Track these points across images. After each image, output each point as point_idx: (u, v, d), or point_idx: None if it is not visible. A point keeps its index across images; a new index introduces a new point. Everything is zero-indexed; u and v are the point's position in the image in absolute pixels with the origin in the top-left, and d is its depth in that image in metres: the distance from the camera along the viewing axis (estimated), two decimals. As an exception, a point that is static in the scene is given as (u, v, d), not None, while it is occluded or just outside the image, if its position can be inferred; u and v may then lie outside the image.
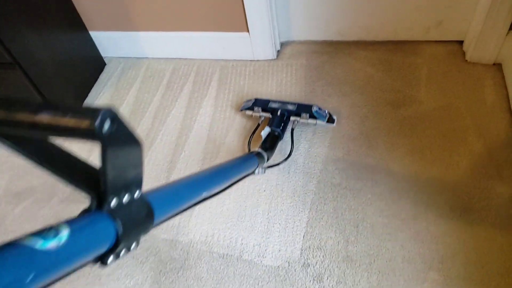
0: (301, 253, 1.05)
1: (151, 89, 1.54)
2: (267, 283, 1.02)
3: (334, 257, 1.03)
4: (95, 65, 1.64)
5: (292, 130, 1.26)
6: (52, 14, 1.39)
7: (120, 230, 0.42)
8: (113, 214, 0.42)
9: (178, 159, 1.31)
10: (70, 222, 0.38)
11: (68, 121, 0.35)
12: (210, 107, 1.43)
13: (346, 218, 1.09)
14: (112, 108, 0.37)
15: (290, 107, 1.26)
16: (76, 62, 1.52)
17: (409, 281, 0.96)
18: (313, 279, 1.00)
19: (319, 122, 1.24)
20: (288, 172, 1.21)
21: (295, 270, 1.03)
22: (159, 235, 1.15)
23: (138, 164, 0.44)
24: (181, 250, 1.12)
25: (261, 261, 1.06)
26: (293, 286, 1.00)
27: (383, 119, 1.26)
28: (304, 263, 1.03)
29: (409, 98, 1.29)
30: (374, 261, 1.01)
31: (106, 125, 0.36)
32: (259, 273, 1.04)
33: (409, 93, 1.30)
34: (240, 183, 1.19)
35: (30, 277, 0.33)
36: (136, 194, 0.45)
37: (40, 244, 0.34)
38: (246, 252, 1.08)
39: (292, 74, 1.46)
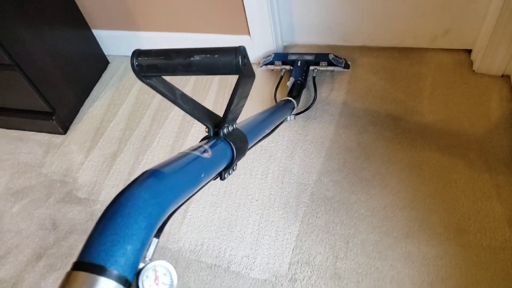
0: (289, 268, 1.04)
1: (151, 90, 1.53)
2: (253, 297, 1.01)
3: (322, 273, 1.01)
4: (98, 63, 1.64)
5: (314, 78, 1.36)
6: (53, 12, 1.39)
7: (234, 149, 0.59)
8: (227, 138, 0.59)
9: (174, 163, 1.30)
10: (208, 144, 0.54)
11: (217, 59, 0.49)
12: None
13: (337, 233, 1.07)
14: (243, 47, 0.49)
15: (309, 57, 1.37)
16: (78, 61, 1.52)
17: (397, 303, 0.94)
18: (299, 296, 0.99)
19: (336, 68, 1.35)
20: (282, 182, 1.19)
21: (281, 284, 1.01)
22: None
23: (247, 96, 0.58)
24: (170, 257, 1.12)
25: (249, 274, 1.05)
26: (278, 301, 0.99)
27: (383, 131, 1.22)
28: (292, 278, 1.02)
29: (411, 109, 1.25)
30: (362, 280, 0.99)
31: (242, 61, 0.49)
32: (245, 286, 1.03)
33: (411, 105, 1.26)
34: (233, 191, 1.18)
35: (202, 174, 0.50)
36: (234, 126, 0.63)
37: (202, 155, 0.51)
38: (234, 263, 1.07)
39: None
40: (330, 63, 1.34)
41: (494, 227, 1.00)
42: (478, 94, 1.24)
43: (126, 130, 1.43)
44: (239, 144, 0.61)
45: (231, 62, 0.49)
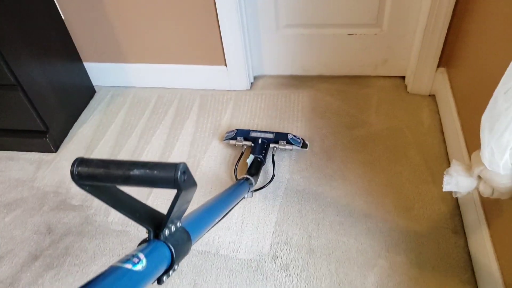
0: (270, 248, 1.21)
1: (137, 113, 1.72)
2: (241, 274, 1.16)
3: (298, 250, 1.20)
4: (86, 92, 1.81)
5: (273, 156, 1.43)
6: (52, 45, 1.58)
7: (174, 253, 0.56)
8: (167, 241, 0.56)
9: (162, 172, 1.46)
10: (143, 250, 0.52)
11: (156, 175, 0.50)
12: (191, 128, 1.61)
13: (309, 217, 1.27)
14: (184, 164, 0.50)
15: (269, 136, 1.45)
16: (69, 88, 1.69)
17: (362, 267, 1.14)
18: (281, 269, 1.16)
19: (294, 147, 1.42)
20: (260, 180, 1.39)
21: (265, 261, 1.18)
22: (143, 236, 1.28)
23: (190, 201, 0.57)
24: (164, 248, 1.25)
25: (235, 255, 1.21)
26: (263, 275, 1.15)
27: (340, 138, 1.48)
28: (273, 255, 1.19)
29: (361, 121, 1.53)
30: (332, 252, 1.18)
31: (182, 176, 0.49)
32: (233, 266, 1.19)
33: (362, 117, 1.54)
34: (218, 189, 1.36)
35: None
36: (178, 224, 0.60)
37: (133, 267, 0.48)
38: (222, 248, 1.23)
39: (264, 103, 1.68)
40: (288, 142, 1.42)
41: (432, 204, 1.25)
42: (413, 108, 1.55)
43: (116, 146, 1.59)
44: (180, 247, 0.58)
45: (170, 177, 0.49)
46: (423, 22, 1.40)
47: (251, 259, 1.19)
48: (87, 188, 0.54)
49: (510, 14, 1.00)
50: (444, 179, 0.87)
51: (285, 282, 1.13)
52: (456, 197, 1.25)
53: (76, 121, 1.73)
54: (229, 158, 1.49)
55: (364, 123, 1.52)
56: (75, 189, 1.45)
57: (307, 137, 1.51)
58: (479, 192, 0.89)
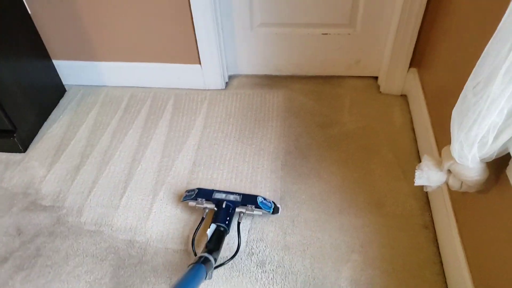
0: (246, 245, 1.21)
1: (109, 113, 1.69)
2: (217, 271, 1.16)
3: (274, 246, 1.20)
4: (55, 91, 1.76)
5: (239, 223, 1.23)
6: (19, 41, 1.53)
7: None
8: None
9: (135, 171, 1.45)
10: None
11: None
12: (165, 127, 1.60)
13: (284, 215, 1.28)
14: None
15: (235, 198, 1.25)
16: (38, 87, 1.64)
17: (336, 262, 1.16)
18: (257, 265, 1.17)
19: (264, 212, 1.23)
20: (235, 179, 1.39)
21: (241, 258, 1.18)
22: (117, 235, 1.26)
23: None
24: (138, 248, 1.23)
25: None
26: (239, 271, 1.16)
27: (314, 137, 1.50)
28: (249, 252, 1.20)
29: (335, 120, 1.56)
30: (307, 248, 1.19)
31: None
32: (209, 264, 1.18)
33: (335, 117, 1.57)
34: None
35: None
36: None
37: None
38: (198, 246, 1.22)
39: (239, 102, 1.68)
40: (257, 207, 1.22)
41: (403, 201, 1.28)
42: (385, 107, 1.59)
43: (87, 146, 1.56)
44: None
45: None
46: (395, 23, 1.44)
47: (227, 257, 1.19)
48: None
49: (477, 15, 1.04)
50: (415, 174, 0.89)
51: (261, 278, 1.14)
52: (427, 194, 1.29)
53: (45, 120, 1.68)
54: (187, 222, 1.28)
55: (337, 123, 1.55)
56: (45, 189, 1.41)
57: (283, 135, 1.52)
58: (448, 186, 0.92)
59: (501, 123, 0.66)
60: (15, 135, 1.51)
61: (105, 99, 1.76)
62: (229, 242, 1.22)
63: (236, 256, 1.19)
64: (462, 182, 0.86)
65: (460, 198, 1.06)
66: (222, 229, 1.17)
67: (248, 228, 1.25)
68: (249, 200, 1.25)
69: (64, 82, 1.81)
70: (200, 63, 1.68)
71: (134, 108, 1.70)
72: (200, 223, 1.25)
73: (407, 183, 1.33)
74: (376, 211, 1.27)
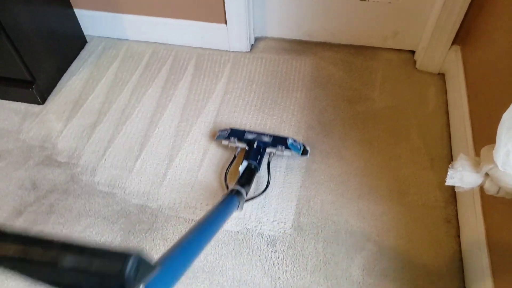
0: (258, 222, 1.18)
1: (130, 69, 1.63)
2: (227, 245, 1.14)
3: (287, 225, 1.17)
4: (76, 41, 1.70)
5: (269, 162, 1.27)
6: (40, -13, 1.46)
7: None
8: None
9: (152, 134, 1.41)
10: None
11: (94, 268, 0.35)
12: (185, 89, 1.54)
13: (300, 194, 1.23)
14: (138, 256, 0.36)
15: (266, 139, 1.27)
16: (59, 36, 1.59)
17: (350, 249, 1.12)
18: (267, 244, 1.14)
19: (294, 154, 1.27)
20: (253, 152, 1.34)
21: (251, 235, 1.16)
22: (130, 199, 1.25)
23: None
24: (150, 214, 1.22)
25: (223, 226, 1.18)
26: (249, 248, 1.13)
27: (340, 113, 1.42)
28: (260, 229, 1.17)
29: (364, 96, 1.46)
30: (321, 232, 1.15)
31: (134, 271, 0.36)
32: (220, 236, 1.16)
33: (365, 92, 1.47)
34: (207, 158, 1.31)
35: None
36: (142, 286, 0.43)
37: None
38: (210, 218, 1.20)
39: (263, 67, 1.59)
40: (287, 148, 1.26)
41: (428, 191, 1.21)
42: (419, 87, 1.48)
43: (105, 103, 1.52)
44: None
45: (115, 273, 0.35)
46: (442, -6, 1.30)
47: (238, 232, 1.17)
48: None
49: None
50: (448, 173, 0.82)
51: (271, 257, 1.11)
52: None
53: (65, 72, 1.64)
54: (220, 160, 1.33)
55: (366, 99, 1.45)
56: (61, 145, 1.40)
57: (307, 108, 1.44)
58: (482, 188, 0.85)
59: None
60: (33, 86, 1.48)
61: (126, 53, 1.70)
62: (259, 180, 1.26)
63: (247, 232, 1.16)
64: (500, 187, 0.78)
65: (493, 197, 0.99)
66: (253, 166, 1.21)
67: (262, 204, 1.22)
68: (279, 141, 1.27)
69: (85, 33, 1.75)
70: (225, 23, 1.58)
71: (155, 66, 1.63)
72: (232, 160, 1.30)
73: (433, 172, 1.25)
74: (397, 199, 1.20)
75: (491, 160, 0.74)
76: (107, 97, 1.54)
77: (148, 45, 1.72)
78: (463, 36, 1.38)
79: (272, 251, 1.13)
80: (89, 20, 1.71)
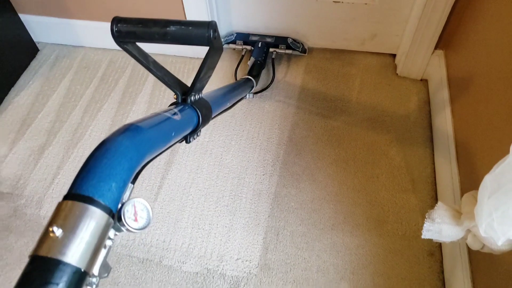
0: (220, 259, 1.06)
1: (84, 81, 1.48)
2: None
3: (252, 264, 1.04)
4: (26, 50, 1.54)
5: (273, 59, 1.42)
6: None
7: (200, 115, 0.65)
8: (194, 105, 0.65)
9: (106, 157, 1.27)
10: (177, 108, 0.61)
11: (191, 31, 0.53)
12: (144, 104, 1.39)
13: (268, 225, 1.10)
14: (215, 22, 0.54)
15: (269, 40, 1.43)
16: (3, 46, 1.43)
17: (321, 290, 1.00)
18: (230, 287, 1.02)
19: (294, 52, 1.42)
20: (217, 176, 1.20)
21: (213, 277, 1.03)
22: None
23: (214, 67, 0.63)
24: (100, 253, 1.09)
25: (181, 267, 1.06)
26: (209, 292, 1.01)
27: (313, 128, 1.28)
28: (222, 270, 1.04)
29: (340, 108, 1.32)
30: (290, 270, 1.03)
31: (213, 34, 0.53)
32: (177, 279, 1.04)
33: (340, 104, 1.33)
34: (169, 185, 1.18)
35: (173, 133, 0.56)
36: (200, 95, 0.68)
37: (173, 117, 0.57)
38: (167, 257, 1.07)
39: (231, 76, 1.44)
40: (288, 47, 1.41)
41: (409, 218, 1.09)
42: (401, 95, 1.34)
43: (56, 122, 1.37)
44: (204, 111, 0.66)
45: (203, 34, 0.53)
46: (423, -6, 1.15)
47: (197, 273, 1.04)
48: (126, 46, 0.59)
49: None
50: (424, 225, 0.69)
51: (233, 304, 0.99)
52: (437, 210, 1.09)
53: (12, 86, 1.48)
54: (229, 61, 1.46)
55: (342, 112, 1.32)
56: (5, 172, 1.26)
57: (277, 123, 1.30)
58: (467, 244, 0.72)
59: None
60: (-27, 106, 1.32)
61: (81, 63, 1.54)
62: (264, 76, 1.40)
63: (208, 273, 1.04)
64: (484, 245, 0.65)
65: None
66: (259, 62, 1.35)
67: (225, 238, 1.09)
68: (280, 40, 1.43)
69: (36, 40, 1.59)
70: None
71: (112, 77, 1.48)
72: (241, 60, 1.45)
73: (415, 195, 1.13)
74: (375, 229, 1.08)
75: (473, 217, 0.61)
76: (58, 115, 1.39)
77: (105, 52, 1.57)
78: (447, 40, 1.25)
79: (235, 294, 1.01)
80: (39, 27, 1.55)
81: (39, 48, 1.60)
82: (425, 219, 0.70)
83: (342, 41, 1.44)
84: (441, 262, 1.02)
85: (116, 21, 0.57)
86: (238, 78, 1.38)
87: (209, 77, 0.65)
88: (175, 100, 0.66)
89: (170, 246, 1.09)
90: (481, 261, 0.85)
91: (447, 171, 1.07)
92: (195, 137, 0.66)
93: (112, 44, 1.53)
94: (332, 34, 1.42)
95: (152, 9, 1.40)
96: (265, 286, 1.01)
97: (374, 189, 1.15)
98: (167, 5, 1.37)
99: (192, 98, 0.64)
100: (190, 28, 0.53)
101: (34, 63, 1.55)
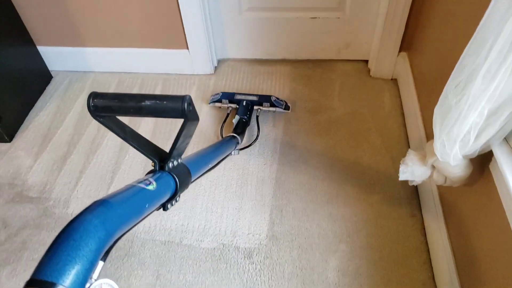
0: (233, 236, 1.21)
1: (96, 100, 1.65)
2: (204, 263, 1.17)
3: (262, 237, 1.20)
4: (41, 78, 1.72)
5: (257, 117, 1.49)
6: (1, 30, 1.48)
7: (178, 182, 0.64)
8: (172, 172, 0.64)
9: (123, 161, 1.43)
10: (153, 176, 0.61)
11: (166, 105, 0.55)
12: (153, 115, 1.57)
13: (273, 204, 1.27)
14: (189, 96, 0.56)
15: (253, 98, 1.50)
16: (23, 74, 1.61)
17: (324, 253, 1.16)
18: (244, 257, 1.17)
19: (278, 109, 1.48)
20: (224, 168, 1.38)
21: (228, 250, 1.19)
22: (105, 227, 1.26)
23: (192, 135, 0.64)
24: (125, 240, 1.23)
25: (199, 245, 1.20)
26: (227, 263, 1.16)
27: (303, 123, 1.48)
28: (236, 243, 1.20)
29: (324, 106, 1.54)
30: (295, 239, 1.19)
31: (188, 107, 0.55)
32: (197, 255, 1.18)
33: (324, 102, 1.55)
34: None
35: (147, 205, 0.56)
36: (180, 160, 0.67)
37: (146, 187, 0.57)
38: (186, 238, 1.22)
39: (228, 87, 1.65)
40: (272, 105, 1.47)
41: (392, 187, 1.28)
42: (375, 92, 1.56)
43: (75, 135, 1.53)
44: (182, 177, 0.66)
45: (177, 108, 0.55)
46: (384, 6, 1.40)
47: (214, 248, 1.19)
48: (103, 120, 0.60)
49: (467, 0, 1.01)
50: (400, 169, 0.88)
51: (249, 270, 1.14)
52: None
53: (32, 108, 1.65)
54: (215, 119, 1.54)
55: (327, 108, 1.53)
56: (32, 180, 1.40)
57: (271, 122, 1.50)
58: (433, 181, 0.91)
59: (482, 123, 0.64)
60: (-1, 124, 1.48)
61: (92, 85, 1.73)
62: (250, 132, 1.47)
63: (224, 248, 1.19)
64: (446, 177, 0.84)
65: (447, 188, 1.06)
66: (244, 120, 1.40)
67: (236, 218, 1.25)
68: (264, 99, 1.49)
69: (50, 69, 1.77)
70: (187, 48, 1.64)
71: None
72: (226, 118, 1.50)
73: (395, 170, 1.32)
74: (365, 199, 1.26)
75: (434, 153, 0.80)
76: (76, 129, 1.55)
77: (114, 75, 1.76)
78: (408, 43, 1.49)
79: (249, 263, 1.16)
80: (54, 56, 1.74)
81: (52, 75, 1.78)
82: (400, 164, 0.89)
83: (321, 52, 1.67)
84: (422, 221, 1.20)
85: (93, 96, 0.58)
86: (224, 135, 1.43)
87: (187, 144, 0.66)
88: (153, 168, 0.66)
89: (188, 228, 1.24)
90: (452, 214, 1.03)
91: (419, 149, 1.28)
92: (173, 203, 0.65)
93: (119, 67, 1.74)
94: (312, 46, 1.66)
95: (155, 35, 1.61)
96: (274, 253, 1.17)
97: (359, 168, 1.34)
98: (170, 34, 1.59)
99: (170, 164, 0.64)
100: (165, 102, 0.55)
101: (49, 88, 1.73)
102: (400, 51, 1.51)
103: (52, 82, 1.76)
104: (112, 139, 1.50)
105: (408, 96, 1.43)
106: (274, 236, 1.20)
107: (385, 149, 1.38)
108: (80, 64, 1.76)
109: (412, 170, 0.87)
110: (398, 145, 1.39)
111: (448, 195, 1.05)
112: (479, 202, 0.86)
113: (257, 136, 1.44)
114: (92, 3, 1.54)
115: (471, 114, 0.63)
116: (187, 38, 1.60)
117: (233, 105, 1.52)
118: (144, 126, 1.54)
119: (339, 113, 1.50)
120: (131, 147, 1.46)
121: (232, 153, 1.24)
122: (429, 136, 1.23)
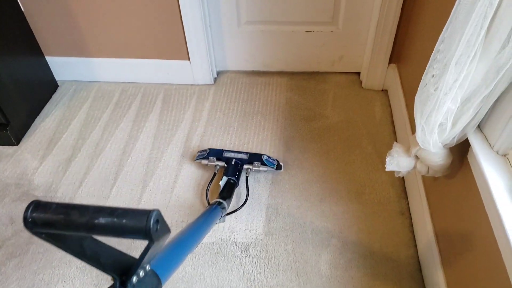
0: (231, 231, 1.27)
1: (101, 107, 1.74)
2: (203, 256, 1.22)
3: (258, 232, 1.26)
4: (48, 86, 1.81)
5: (247, 177, 1.38)
6: (13, 38, 1.58)
7: None
8: None
9: (125, 163, 1.50)
10: None
11: (125, 224, 0.44)
12: (155, 121, 1.65)
13: (269, 202, 1.34)
14: (158, 211, 0.45)
15: (243, 156, 1.39)
16: (31, 83, 1.69)
17: (317, 247, 1.22)
18: (241, 250, 1.22)
19: (269, 169, 1.37)
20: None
21: (226, 244, 1.24)
22: (108, 224, 1.31)
23: (162, 247, 0.53)
24: (128, 235, 1.28)
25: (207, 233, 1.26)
26: (224, 256, 1.21)
27: (298, 130, 1.57)
28: (234, 238, 1.25)
29: (318, 114, 1.62)
30: (289, 234, 1.25)
31: (155, 226, 0.44)
32: (197, 249, 1.24)
33: (319, 111, 1.64)
34: (185, 180, 1.40)
35: None
36: (148, 268, 0.55)
37: None
38: (185, 233, 1.28)
39: (227, 97, 1.74)
40: (263, 164, 1.37)
41: (381, 189, 1.35)
42: (366, 102, 1.66)
43: (79, 139, 1.60)
44: None
45: (140, 227, 0.44)
46: (374, 21, 1.51)
47: (213, 242, 1.25)
48: (43, 236, 0.48)
49: (442, 14, 1.11)
50: (386, 160, 0.96)
51: (245, 262, 1.20)
52: (404, 182, 1.36)
53: (38, 114, 1.72)
54: (201, 179, 1.42)
55: (321, 116, 1.62)
56: (38, 180, 1.46)
57: (269, 129, 1.58)
58: (417, 172, 0.99)
59: (457, 111, 0.73)
60: (8, 128, 1.55)
61: (96, 94, 1.81)
62: (239, 193, 1.38)
63: (221, 242, 1.24)
64: (428, 167, 0.92)
65: (432, 184, 1.13)
66: (232, 181, 1.30)
67: (234, 215, 1.31)
68: (255, 158, 1.39)
69: (57, 78, 1.86)
70: (189, 59, 1.74)
71: (125, 103, 1.75)
72: (213, 178, 1.39)
73: (385, 173, 1.40)
74: (355, 199, 1.33)
75: (416, 143, 0.88)
76: (81, 134, 1.62)
77: (117, 84, 1.85)
78: (397, 56, 1.59)
79: (246, 256, 1.21)
80: (60, 66, 1.82)
81: (59, 84, 1.86)
82: (387, 156, 0.96)
83: (315, 64, 1.77)
84: (410, 218, 1.26)
85: (32, 207, 0.47)
86: (209, 198, 1.34)
87: (157, 253, 0.58)
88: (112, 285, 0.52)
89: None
90: (438, 210, 1.10)
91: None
92: None
93: (122, 77, 1.83)
94: (307, 59, 1.76)
95: (158, 46, 1.71)
96: (270, 247, 1.23)
97: (352, 170, 1.41)
98: (172, 45, 1.69)
99: (134, 279, 0.52)
100: (124, 221, 0.45)
101: (55, 96, 1.81)
102: (390, 63, 1.61)
103: (58, 90, 1.84)
104: (115, 143, 1.57)
105: (398, 106, 1.52)
106: (270, 231, 1.26)
107: (376, 154, 1.46)
108: (85, 73, 1.85)
109: (397, 161, 0.95)
110: (388, 150, 1.46)
111: (433, 189, 1.12)
112: (460, 193, 0.94)
113: (246, 198, 1.33)
114: (99, 16, 1.64)
115: (447, 101, 0.71)
116: (188, 50, 1.70)
117: (221, 163, 1.38)
118: (146, 131, 1.61)
119: (333, 121, 1.59)
120: (133, 151, 1.54)
121: (218, 221, 1.13)
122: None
